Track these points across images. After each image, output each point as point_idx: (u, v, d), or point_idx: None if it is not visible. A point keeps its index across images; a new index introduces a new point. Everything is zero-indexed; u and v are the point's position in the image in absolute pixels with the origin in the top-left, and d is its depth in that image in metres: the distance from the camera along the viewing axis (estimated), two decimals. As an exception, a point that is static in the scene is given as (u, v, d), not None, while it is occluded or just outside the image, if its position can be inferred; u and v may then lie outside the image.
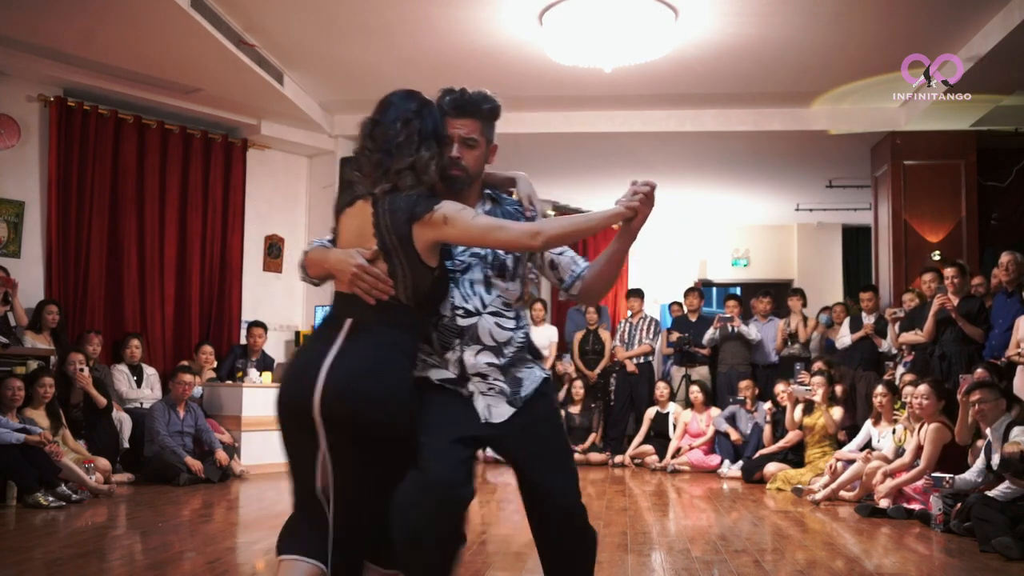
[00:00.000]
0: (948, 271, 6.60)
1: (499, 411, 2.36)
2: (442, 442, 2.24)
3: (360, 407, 2.17)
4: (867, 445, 6.47)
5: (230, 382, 7.77)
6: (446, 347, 2.35)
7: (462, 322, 2.34)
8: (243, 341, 8.32)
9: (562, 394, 9.10)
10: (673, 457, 8.22)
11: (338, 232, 2.36)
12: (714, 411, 8.38)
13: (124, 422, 6.99)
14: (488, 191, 2.53)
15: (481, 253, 2.38)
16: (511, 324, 2.40)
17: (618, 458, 8.70)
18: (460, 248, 2.35)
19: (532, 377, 2.42)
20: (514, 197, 2.59)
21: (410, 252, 2.21)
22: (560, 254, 2.50)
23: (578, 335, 9.57)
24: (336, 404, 2.17)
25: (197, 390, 7.38)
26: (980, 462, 5.00)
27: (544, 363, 9.40)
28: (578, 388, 8.97)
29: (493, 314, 2.37)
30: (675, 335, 9.28)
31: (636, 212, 2.29)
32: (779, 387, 7.63)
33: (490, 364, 2.36)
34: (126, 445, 6.94)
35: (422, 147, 2.26)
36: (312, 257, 2.40)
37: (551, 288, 11.54)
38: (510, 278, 2.41)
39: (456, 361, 2.35)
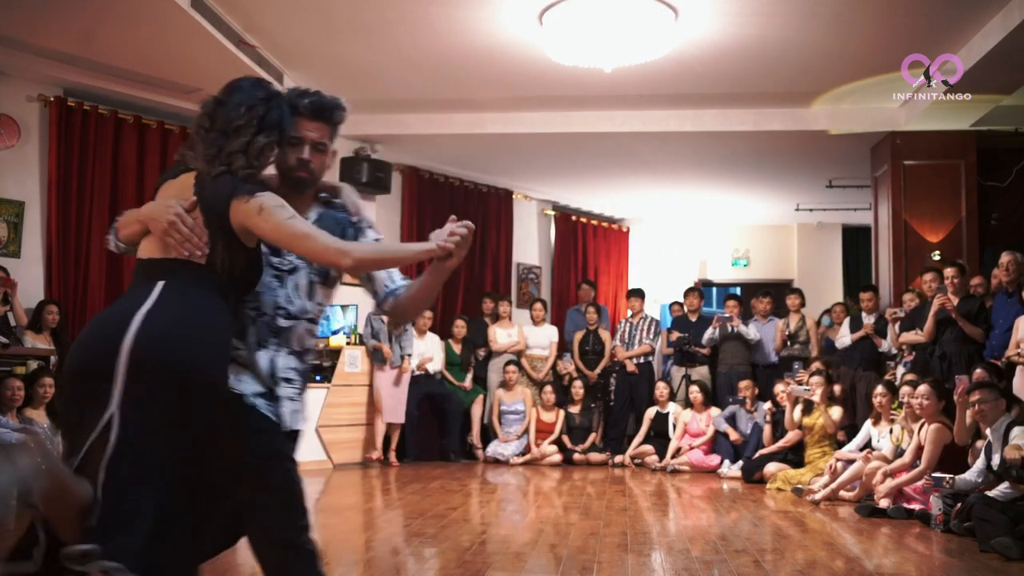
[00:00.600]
0: (948, 271, 6.60)
1: (300, 419, 2.37)
2: None
3: (182, 347, 2.05)
4: (867, 445, 6.47)
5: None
6: (261, 345, 2.31)
7: (282, 323, 2.34)
8: (243, 341, 8.30)
9: (562, 394, 9.11)
10: (673, 457, 8.22)
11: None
12: (714, 411, 8.39)
13: (124, 422, 6.98)
14: (322, 195, 2.54)
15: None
16: (317, 332, 2.45)
17: (618, 458, 8.70)
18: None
19: (294, 411, 2.37)
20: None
21: (227, 229, 2.16)
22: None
23: (578, 335, 9.57)
24: (151, 346, 2.01)
25: None
26: (980, 462, 5.00)
27: (546, 362, 9.40)
28: (578, 388, 8.97)
29: (310, 320, 2.40)
30: (675, 335, 9.28)
31: (450, 253, 2.28)
32: (778, 387, 7.63)
33: (294, 369, 2.36)
34: (126, 445, 6.93)
35: (260, 134, 2.24)
36: (123, 219, 2.30)
37: (551, 288, 11.58)
38: (331, 285, 2.45)
39: (268, 362, 2.31)
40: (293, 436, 2.36)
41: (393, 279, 2.48)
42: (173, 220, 2.13)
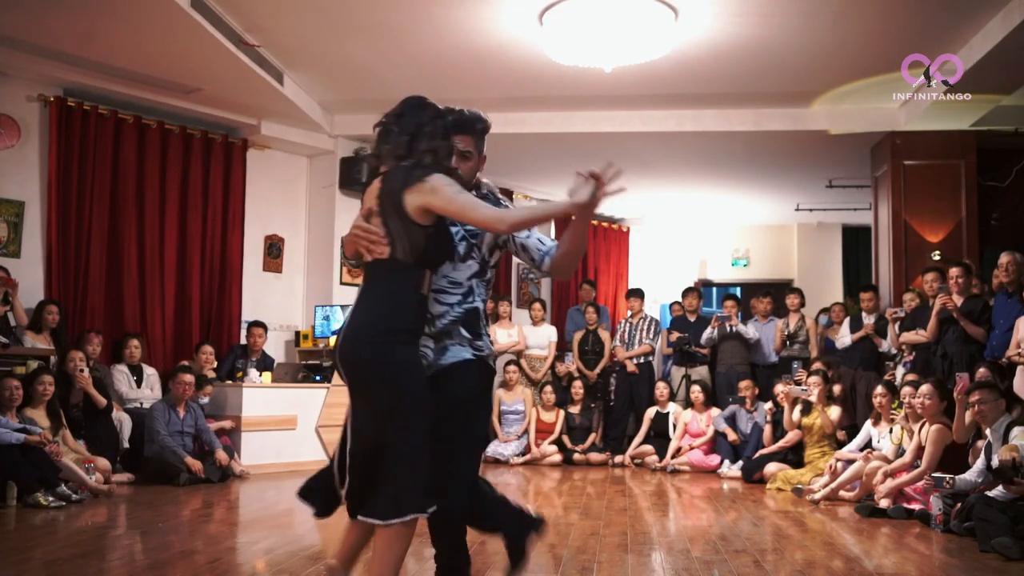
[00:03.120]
0: (953, 271, 6.59)
1: (456, 355, 2.79)
2: None
3: (344, 351, 2.62)
4: (867, 445, 6.47)
5: (230, 382, 7.77)
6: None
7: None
8: (243, 341, 8.32)
9: (562, 394, 9.11)
10: (673, 457, 8.22)
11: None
12: (714, 411, 8.39)
13: (124, 422, 7.00)
14: (471, 192, 2.88)
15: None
16: (452, 300, 2.80)
17: (618, 458, 8.70)
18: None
19: (456, 353, 2.79)
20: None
21: (402, 214, 2.60)
22: (527, 237, 2.87)
23: (578, 335, 9.57)
24: (343, 355, 2.62)
25: (204, 399, 7.39)
26: (980, 462, 5.00)
27: (545, 362, 9.33)
28: (578, 388, 8.97)
29: (435, 291, 2.79)
30: (675, 335, 9.28)
31: (589, 203, 2.58)
32: (778, 387, 7.63)
33: (426, 334, 2.77)
34: (126, 445, 6.94)
35: (445, 139, 2.72)
36: (346, 239, 2.78)
37: (551, 288, 11.58)
38: (460, 260, 2.82)
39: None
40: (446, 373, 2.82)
41: (544, 242, 2.86)
42: (355, 232, 2.68)
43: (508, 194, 10.83)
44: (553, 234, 11.79)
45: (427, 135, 2.68)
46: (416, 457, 2.56)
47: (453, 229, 2.80)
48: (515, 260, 11.02)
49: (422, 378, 2.65)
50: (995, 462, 4.75)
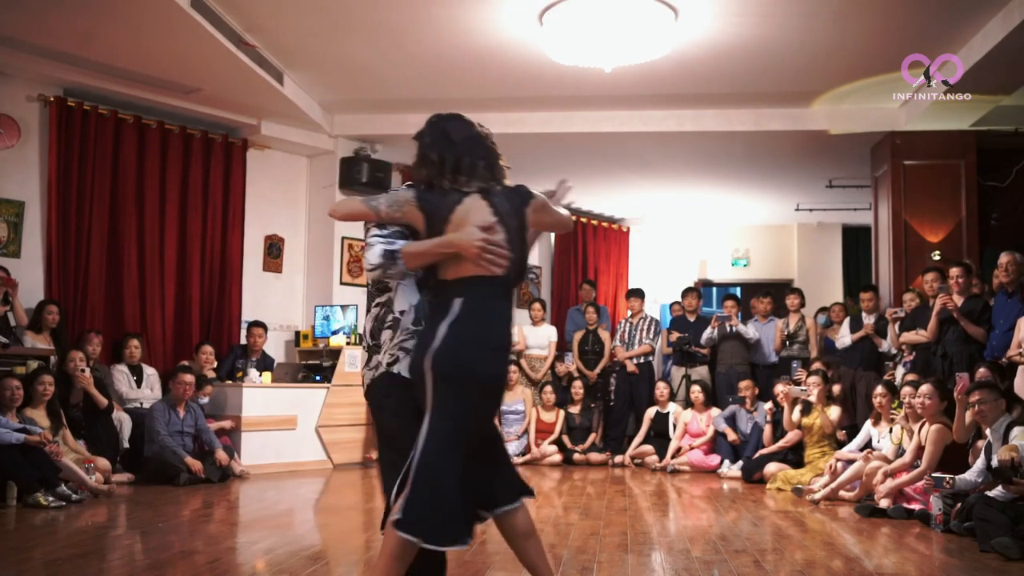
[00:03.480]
0: (953, 271, 6.59)
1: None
2: None
3: (468, 355, 2.64)
4: (867, 445, 6.46)
5: (230, 382, 7.77)
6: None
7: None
8: (243, 341, 8.32)
9: (562, 394, 9.10)
10: (673, 457, 8.22)
11: (448, 230, 2.69)
12: (714, 411, 8.38)
13: (124, 422, 7.00)
14: None
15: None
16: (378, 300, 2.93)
17: (618, 458, 8.70)
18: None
19: (374, 362, 2.88)
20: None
21: (524, 233, 2.76)
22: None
23: (578, 335, 9.58)
24: (446, 358, 2.63)
25: (204, 399, 7.39)
26: (980, 462, 5.00)
27: (545, 362, 9.32)
28: (578, 388, 8.97)
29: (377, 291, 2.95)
30: (675, 335, 9.28)
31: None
32: (778, 387, 7.63)
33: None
34: (126, 445, 6.95)
35: (494, 154, 2.85)
36: (412, 250, 2.69)
37: (551, 288, 11.58)
38: None
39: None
40: None
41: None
42: (483, 245, 2.62)
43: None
44: (553, 241, 11.78)
45: (493, 154, 2.88)
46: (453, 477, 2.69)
47: None
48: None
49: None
50: (995, 462, 4.75)
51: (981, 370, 5.82)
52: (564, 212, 2.96)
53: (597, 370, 9.35)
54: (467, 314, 2.63)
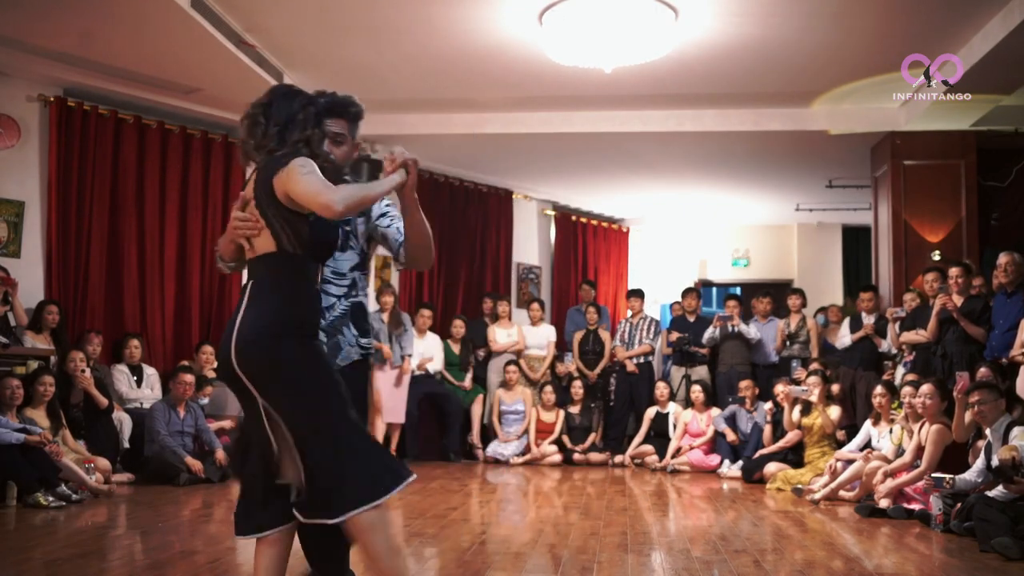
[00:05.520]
0: (953, 271, 6.59)
1: (349, 355, 2.80)
2: None
3: (247, 353, 2.46)
4: (867, 445, 6.47)
5: (230, 382, 7.76)
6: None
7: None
8: (243, 341, 8.31)
9: (562, 394, 9.10)
10: (673, 457, 8.22)
11: None
12: (714, 411, 8.38)
13: (124, 422, 6.99)
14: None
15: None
16: (338, 292, 2.80)
17: (618, 458, 8.70)
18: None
19: (348, 354, 2.79)
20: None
21: (278, 205, 2.48)
22: (388, 226, 2.89)
23: (578, 335, 9.57)
24: (243, 358, 2.45)
25: (204, 399, 7.39)
26: (980, 462, 5.00)
27: (544, 362, 9.33)
28: (578, 388, 8.97)
29: (323, 282, 2.77)
30: (674, 335, 9.28)
31: (404, 181, 2.65)
32: (778, 387, 7.63)
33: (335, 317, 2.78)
34: (126, 445, 6.94)
35: (317, 127, 2.63)
36: (220, 240, 2.72)
37: (551, 288, 11.58)
38: (339, 249, 2.76)
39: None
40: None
41: (401, 231, 2.86)
42: (234, 224, 2.54)
43: (508, 194, 10.85)
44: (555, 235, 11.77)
45: (299, 124, 2.58)
46: (362, 442, 2.47)
47: None
48: (515, 260, 11.08)
49: (332, 367, 2.58)
50: (995, 461, 4.75)
51: (982, 370, 5.82)
52: (326, 192, 2.41)
53: (597, 370, 9.35)
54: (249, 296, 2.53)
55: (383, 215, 2.92)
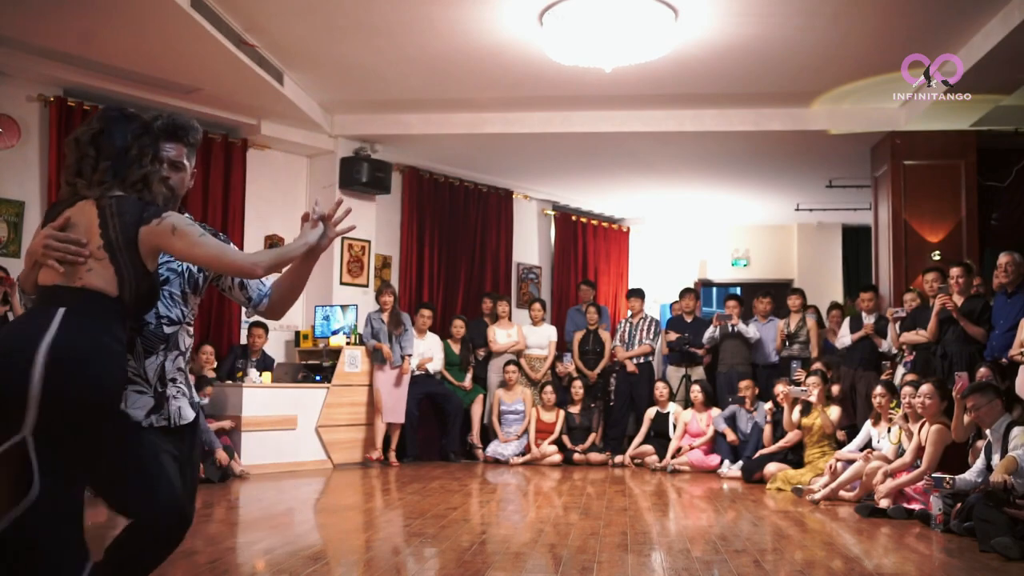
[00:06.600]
0: (954, 271, 6.59)
1: (186, 413, 2.55)
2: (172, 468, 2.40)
3: (85, 386, 2.15)
4: (867, 445, 6.47)
5: (230, 382, 7.77)
6: (150, 352, 2.49)
7: (167, 330, 2.53)
8: (243, 341, 8.32)
9: (562, 394, 9.11)
10: (673, 457, 8.22)
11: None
12: (714, 411, 8.38)
13: (124, 422, 6.98)
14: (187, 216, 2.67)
15: (178, 269, 2.55)
16: (191, 332, 2.65)
17: (618, 458, 8.70)
18: (160, 260, 2.44)
19: (186, 412, 2.56)
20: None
21: (134, 255, 2.27)
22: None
23: (578, 335, 9.58)
24: (62, 383, 2.10)
25: (204, 399, 7.39)
26: (980, 462, 5.00)
27: (544, 362, 9.39)
28: (578, 388, 8.97)
29: (188, 324, 2.60)
30: (673, 335, 9.28)
31: (319, 244, 2.56)
32: (778, 388, 7.63)
33: (179, 369, 2.57)
34: (126, 445, 6.93)
35: (152, 162, 2.40)
36: (21, 274, 2.46)
37: (551, 288, 11.58)
38: (199, 293, 2.63)
39: (157, 367, 2.49)
40: (183, 429, 2.54)
41: (264, 282, 2.69)
42: (47, 241, 2.24)
43: (508, 194, 10.86)
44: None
45: (134, 159, 2.35)
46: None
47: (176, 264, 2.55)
48: (515, 260, 11.08)
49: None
50: (995, 462, 4.75)
51: (982, 370, 5.83)
52: (237, 253, 2.38)
53: (597, 370, 9.35)
54: None
55: None
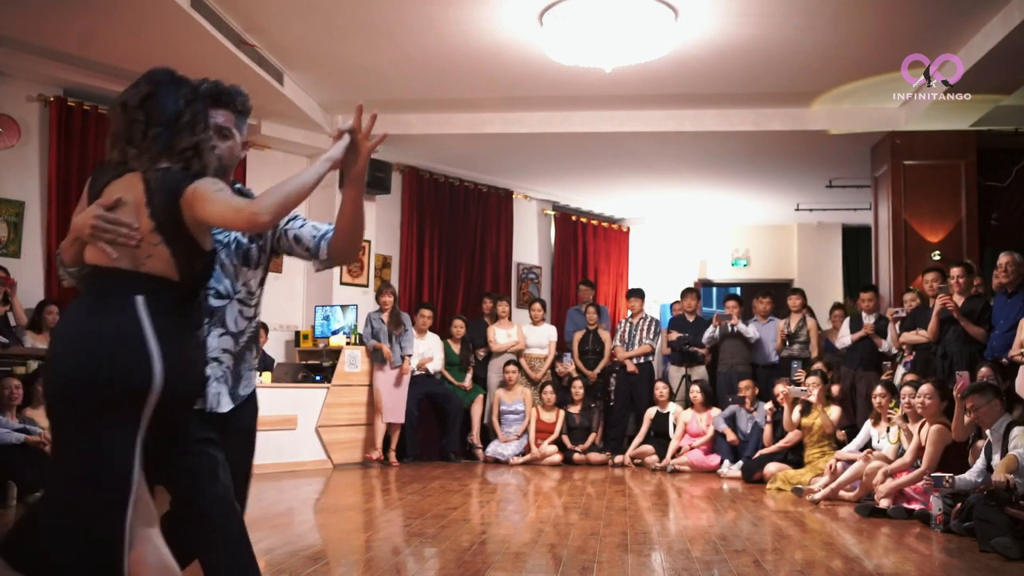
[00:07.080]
0: (954, 271, 6.59)
1: (224, 402, 2.36)
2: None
3: (191, 374, 2.14)
4: (867, 445, 6.47)
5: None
6: (197, 325, 2.32)
7: (214, 303, 2.36)
8: (243, 341, 8.31)
9: (562, 394, 9.11)
10: (673, 457, 8.22)
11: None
12: (714, 411, 8.38)
13: (124, 422, 6.98)
14: (235, 183, 2.54)
15: (224, 240, 2.38)
16: (250, 313, 2.44)
17: (618, 458, 8.70)
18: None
19: (250, 379, 2.44)
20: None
21: (184, 233, 2.11)
22: (301, 227, 2.48)
23: (578, 335, 9.58)
24: (174, 375, 2.06)
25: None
26: (980, 462, 5.00)
27: (545, 362, 9.33)
28: (578, 388, 8.97)
29: (240, 301, 2.41)
30: (674, 335, 9.29)
31: (355, 159, 2.31)
32: (778, 388, 7.63)
33: (226, 351, 2.38)
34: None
35: (205, 130, 2.23)
36: (63, 244, 2.29)
37: (551, 288, 11.58)
38: (254, 266, 2.43)
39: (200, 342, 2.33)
40: (213, 418, 2.34)
41: (319, 228, 2.48)
42: (96, 222, 2.09)
43: (508, 194, 10.86)
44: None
45: (186, 126, 2.18)
46: None
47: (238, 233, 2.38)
48: (515, 260, 11.08)
49: None
50: (995, 462, 4.75)
51: (983, 369, 5.82)
52: (238, 205, 2.09)
53: (597, 370, 9.35)
54: None
55: (292, 219, 2.51)
